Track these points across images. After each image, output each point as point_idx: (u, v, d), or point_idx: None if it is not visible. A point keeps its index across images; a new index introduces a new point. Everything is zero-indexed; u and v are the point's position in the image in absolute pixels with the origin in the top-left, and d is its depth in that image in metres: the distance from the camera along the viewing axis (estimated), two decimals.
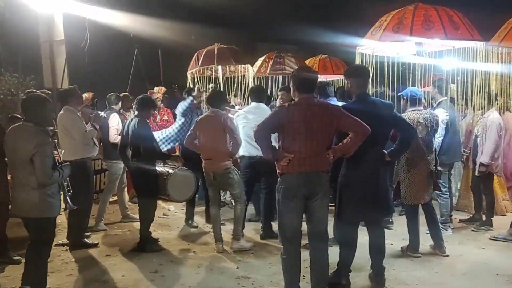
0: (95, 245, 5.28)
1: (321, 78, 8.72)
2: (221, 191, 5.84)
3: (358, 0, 15.11)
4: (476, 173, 5.64)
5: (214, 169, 5.02)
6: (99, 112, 5.72)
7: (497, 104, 5.68)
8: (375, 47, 5.52)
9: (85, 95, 6.40)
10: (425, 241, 4.91)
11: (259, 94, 5.72)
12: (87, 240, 5.31)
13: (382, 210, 3.98)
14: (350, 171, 3.84)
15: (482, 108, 5.72)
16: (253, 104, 5.58)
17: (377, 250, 4.02)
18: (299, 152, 3.49)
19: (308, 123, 3.49)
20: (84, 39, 9.32)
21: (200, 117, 5.31)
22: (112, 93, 6.43)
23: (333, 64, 9.08)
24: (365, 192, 3.81)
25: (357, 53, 5.60)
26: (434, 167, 4.64)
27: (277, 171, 3.64)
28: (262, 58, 8.85)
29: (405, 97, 4.73)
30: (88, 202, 5.40)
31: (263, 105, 5.59)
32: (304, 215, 3.66)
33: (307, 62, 9.34)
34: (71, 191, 4.07)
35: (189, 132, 5.27)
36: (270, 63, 8.36)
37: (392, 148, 4.01)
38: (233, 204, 5.52)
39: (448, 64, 5.95)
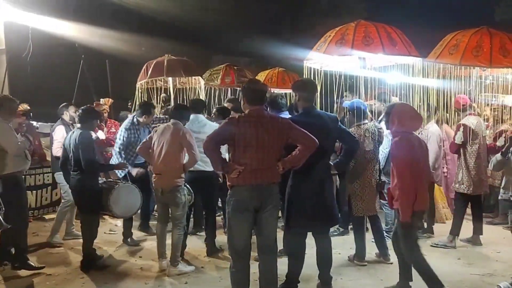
0: (41, 268, 4.86)
1: (281, 91, 8.98)
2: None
3: (310, 15, 15.54)
4: None
5: (163, 186, 4.75)
6: (32, 122, 5.46)
7: (436, 116, 5.99)
8: (323, 61, 5.68)
9: (24, 107, 6.13)
10: (371, 250, 5.05)
11: (197, 106, 5.57)
12: (31, 263, 4.87)
13: (329, 220, 4.06)
14: (297, 182, 3.91)
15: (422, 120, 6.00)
16: (192, 116, 5.36)
17: (324, 260, 4.08)
18: (250, 164, 3.50)
19: (259, 135, 3.51)
20: (26, 49, 8.93)
21: (159, 126, 5.11)
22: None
23: (291, 78, 9.28)
24: (312, 203, 3.88)
25: (305, 67, 5.74)
26: (378, 178, 4.81)
27: (227, 183, 3.63)
28: (220, 69, 8.86)
29: (350, 110, 4.88)
30: (22, 220, 4.96)
31: (201, 117, 5.46)
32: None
33: (265, 74, 9.53)
34: (3, 209, 3.83)
35: (144, 139, 5.11)
36: (235, 75, 8.45)
37: (337, 160, 4.12)
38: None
39: (392, 79, 6.22)
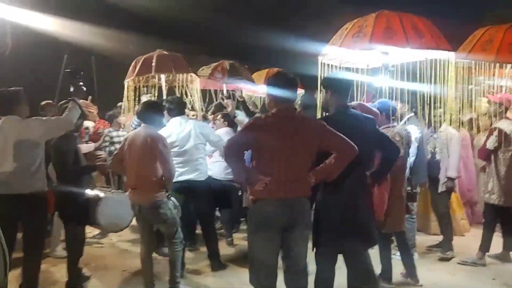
0: None
1: None
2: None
3: (301, 13, 15.08)
4: (443, 189, 5.33)
5: (140, 202, 4.00)
6: None
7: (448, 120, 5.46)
8: (342, 58, 5.13)
9: None
10: (395, 269, 4.46)
11: (174, 107, 4.89)
12: None
13: (364, 240, 3.40)
14: (328, 195, 3.28)
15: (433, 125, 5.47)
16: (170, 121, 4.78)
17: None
18: (278, 174, 2.92)
19: (289, 139, 2.93)
20: (5, 45, 8.24)
21: (130, 133, 4.41)
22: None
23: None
24: (345, 219, 3.26)
25: (320, 63, 5.18)
26: (409, 189, 4.26)
27: (250, 197, 3.03)
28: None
29: (380, 111, 4.25)
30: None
31: (182, 120, 4.83)
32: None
33: (264, 73, 9.15)
34: None
35: (116, 151, 4.35)
36: (227, 71, 7.88)
37: (374, 169, 3.54)
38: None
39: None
